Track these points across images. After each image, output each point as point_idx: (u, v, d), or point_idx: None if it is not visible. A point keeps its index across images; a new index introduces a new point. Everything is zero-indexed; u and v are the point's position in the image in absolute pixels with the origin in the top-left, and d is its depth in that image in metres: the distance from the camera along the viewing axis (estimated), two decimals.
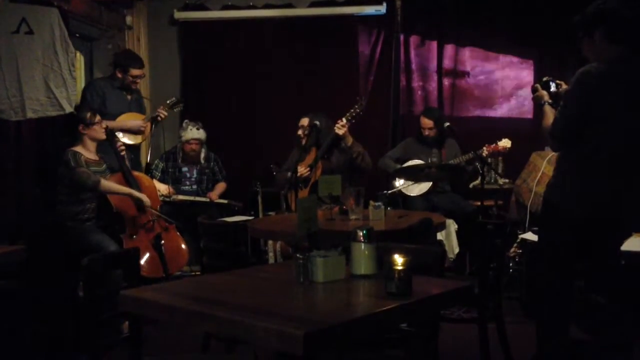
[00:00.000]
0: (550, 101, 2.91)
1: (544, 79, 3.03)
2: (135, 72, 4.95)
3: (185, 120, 5.47)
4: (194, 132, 5.37)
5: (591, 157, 2.72)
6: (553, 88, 2.96)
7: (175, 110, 5.21)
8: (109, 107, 4.82)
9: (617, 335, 2.87)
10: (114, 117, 4.79)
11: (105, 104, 4.83)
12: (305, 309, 1.90)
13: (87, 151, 4.28)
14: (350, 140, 4.78)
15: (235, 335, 1.87)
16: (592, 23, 2.73)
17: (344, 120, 4.71)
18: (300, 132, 4.98)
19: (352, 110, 4.74)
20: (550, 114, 2.87)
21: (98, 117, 4.31)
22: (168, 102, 5.16)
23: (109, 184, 4.22)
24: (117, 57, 5.13)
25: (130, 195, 4.28)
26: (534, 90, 3.02)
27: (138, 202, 4.32)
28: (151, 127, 5.09)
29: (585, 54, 2.82)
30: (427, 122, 5.24)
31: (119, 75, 4.94)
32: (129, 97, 5.04)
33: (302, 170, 4.80)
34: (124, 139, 4.80)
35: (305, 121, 4.99)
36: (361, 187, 3.58)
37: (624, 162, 2.72)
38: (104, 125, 4.33)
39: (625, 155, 2.71)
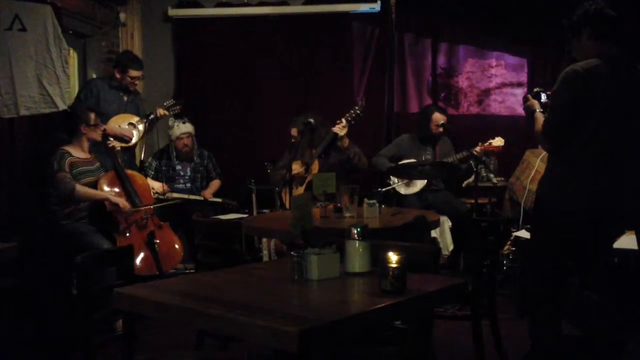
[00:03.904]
0: (541, 110, 2.94)
1: (535, 89, 3.07)
2: (134, 73, 4.93)
3: (170, 118, 5.44)
4: (181, 127, 5.36)
5: (580, 154, 2.74)
6: (544, 98, 2.99)
7: (171, 113, 5.19)
8: (104, 107, 4.79)
9: (610, 332, 2.88)
10: (108, 117, 4.76)
11: (100, 104, 4.80)
12: (300, 306, 1.90)
13: (79, 150, 4.26)
14: (347, 141, 4.78)
15: (229, 332, 1.87)
16: (579, 24, 2.80)
17: (344, 121, 4.71)
18: (293, 141, 5.00)
19: (352, 112, 4.74)
20: (541, 119, 2.89)
21: (99, 119, 4.33)
22: (165, 103, 5.14)
23: (84, 190, 4.14)
24: (118, 57, 5.11)
25: (107, 200, 4.20)
26: (525, 99, 3.06)
27: (116, 206, 4.23)
28: (147, 126, 5.06)
29: (575, 55, 2.87)
30: (442, 118, 5.24)
31: (118, 75, 4.93)
32: (125, 97, 5.01)
33: (297, 168, 4.80)
34: (115, 141, 4.77)
35: (294, 131, 5.01)
36: (355, 185, 3.58)
37: (612, 158, 2.73)
38: (102, 128, 4.34)
39: (613, 151, 2.73)
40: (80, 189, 4.12)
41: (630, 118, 2.75)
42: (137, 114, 5.01)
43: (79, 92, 4.87)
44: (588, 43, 2.79)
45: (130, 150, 5.09)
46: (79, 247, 3.81)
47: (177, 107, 5.20)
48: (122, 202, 4.23)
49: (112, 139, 4.58)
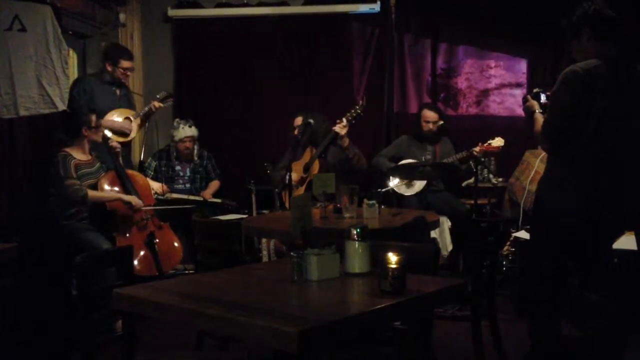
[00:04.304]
0: (540, 111, 2.94)
1: (535, 90, 3.07)
2: (125, 64, 4.93)
3: (176, 119, 5.47)
4: (186, 130, 5.37)
5: (579, 154, 2.74)
6: (543, 99, 2.99)
7: (165, 104, 5.20)
8: (98, 103, 4.80)
9: (610, 332, 2.88)
10: (102, 113, 4.76)
11: (94, 100, 4.81)
12: (299, 306, 1.90)
13: (80, 152, 4.27)
14: (347, 141, 4.78)
15: (229, 333, 1.87)
16: (579, 24, 2.80)
17: (344, 121, 4.71)
18: (296, 132, 4.99)
19: (353, 111, 4.74)
20: (541, 120, 2.90)
21: (100, 121, 4.34)
22: (158, 96, 5.16)
23: (96, 194, 4.21)
24: (107, 50, 5.11)
25: (119, 200, 4.25)
26: (525, 100, 3.06)
27: (129, 204, 4.29)
28: (143, 123, 5.07)
29: (574, 56, 2.87)
30: (431, 115, 5.24)
31: (109, 68, 4.93)
32: (118, 92, 5.02)
33: (297, 177, 4.79)
34: (113, 137, 4.77)
35: (298, 121, 5.00)
36: (355, 185, 3.59)
37: (612, 158, 2.73)
38: (102, 129, 4.35)
39: (613, 151, 2.73)
40: (92, 193, 4.18)
41: (630, 118, 2.75)
42: (130, 108, 5.03)
43: (71, 91, 4.83)
44: (587, 44, 2.79)
45: (126, 148, 5.10)
46: (78, 247, 3.82)
47: (170, 99, 5.22)
48: (135, 199, 4.29)
49: (111, 134, 4.59)
